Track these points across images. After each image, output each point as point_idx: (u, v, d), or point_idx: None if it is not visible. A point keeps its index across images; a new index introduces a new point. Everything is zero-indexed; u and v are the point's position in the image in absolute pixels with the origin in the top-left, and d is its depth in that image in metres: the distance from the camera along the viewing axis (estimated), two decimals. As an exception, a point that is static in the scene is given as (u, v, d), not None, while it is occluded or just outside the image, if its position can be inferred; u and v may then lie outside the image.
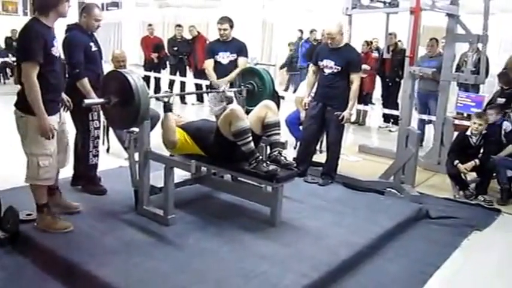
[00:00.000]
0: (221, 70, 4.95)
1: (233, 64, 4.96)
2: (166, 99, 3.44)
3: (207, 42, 8.98)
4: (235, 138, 3.34)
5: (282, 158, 3.47)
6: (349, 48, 4.49)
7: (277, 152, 3.50)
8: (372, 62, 7.82)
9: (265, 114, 3.53)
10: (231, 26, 4.97)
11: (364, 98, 7.98)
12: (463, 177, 4.63)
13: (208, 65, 5.08)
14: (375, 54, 8.14)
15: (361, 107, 7.87)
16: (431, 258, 3.32)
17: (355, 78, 4.36)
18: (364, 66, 7.47)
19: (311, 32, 9.71)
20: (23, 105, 2.92)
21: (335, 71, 4.39)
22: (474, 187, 4.63)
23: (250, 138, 3.35)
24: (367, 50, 7.88)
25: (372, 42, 8.04)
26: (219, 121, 3.50)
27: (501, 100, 5.46)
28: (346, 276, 2.98)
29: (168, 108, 3.42)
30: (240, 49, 5.02)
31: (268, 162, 3.39)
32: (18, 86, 3.00)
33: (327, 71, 4.44)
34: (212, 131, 3.52)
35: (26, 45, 2.83)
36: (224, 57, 4.98)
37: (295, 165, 3.60)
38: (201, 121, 3.96)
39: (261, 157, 3.42)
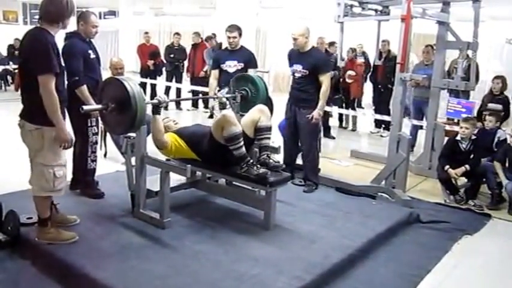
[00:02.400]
0: (227, 79, 4.73)
1: (240, 73, 4.71)
2: (156, 103, 3.47)
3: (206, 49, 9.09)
4: (227, 143, 3.42)
5: (271, 160, 3.58)
6: (316, 52, 4.63)
7: (265, 155, 3.60)
8: (357, 67, 7.87)
9: (258, 118, 3.63)
10: (240, 34, 4.89)
11: (352, 103, 8.04)
12: (454, 182, 4.69)
13: (213, 75, 4.99)
14: (361, 60, 8.24)
15: (351, 112, 7.95)
16: (422, 262, 3.35)
17: (324, 80, 4.44)
18: (350, 72, 7.57)
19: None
20: (37, 117, 2.89)
21: (303, 74, 4.49)
22: (464, 192, 4.68)
23: (242, 143, 3.43)
24: (351, 57, 7.96)
25: (355, 50, 8.14)
26: (211, 126, 3.58)
27: (497, 106, 5.51)
28: (338, 279, 3.02)
29: (156, 110, 3.46)
30: (249, 59, 4.92)
31: (258, 165, 3.47)
32: (18, 93, 3.02)
33: (296, 74, 4.56)
34: (206, 136, 3.59)
35: (44, 57, 2.80)
36: (231, 66, 4.86)
37: (283, 167, 3.70)
38: (195, 126, 4.03)
39: (251, 161, 3.49)
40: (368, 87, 8.55)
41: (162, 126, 3.57)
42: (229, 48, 4.98)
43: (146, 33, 10.53)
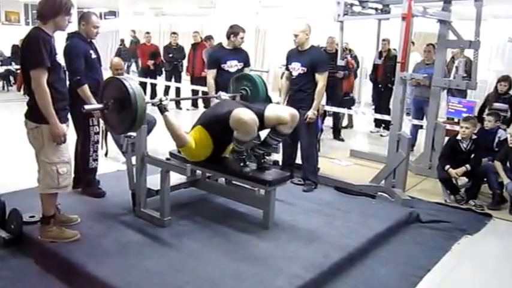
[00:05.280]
0: (228, 79, 4.51)
1: (239, 73, 4.69)
2: (158, 102, 3.43)
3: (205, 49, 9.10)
4: (234, 142, 3.43)
5: (264, 160, 3.62)
6: (315, 50, 4.60)
7: (263, 153, 3.63)
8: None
9: (284, 122, 3.50)
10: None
11: (347, 101, 7.94)
12: (454, 181, 4.68)
13: (211, 75, 4.84)
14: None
15: (350, 111, 7.88)
16: (422, 262, 3.36)
17: (320, 79, 4.43)
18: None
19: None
20: (36, 115, 2.92)
21: (301, 72, 4.47)
22: (464, 191, 4.68)
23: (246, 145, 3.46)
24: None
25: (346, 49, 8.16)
26: (233, 118, 3.34)
27: (503, 106, 5.51)
28: (337, 278, 3.03)
29: (163, 109, 3.41)
30: (247, 59, 4.94)
31: (247, 163, 3.49)
32: (21, 93, 3.04)
33: (294, 73, 4.53)
34: (223, 118, 3.43)
35: (34, 52, 2.83)
36: (232, 66, 4.81)
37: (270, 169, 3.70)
38: (213, 109, 3.90)
39: (244, 157, 3.49)
40: (365, 86, 8.49)
41: (175, 121, 3.47)
42: (227, 48, 4.91)
43: (147, 33, 10.57)
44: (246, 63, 4.94)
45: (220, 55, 4.92)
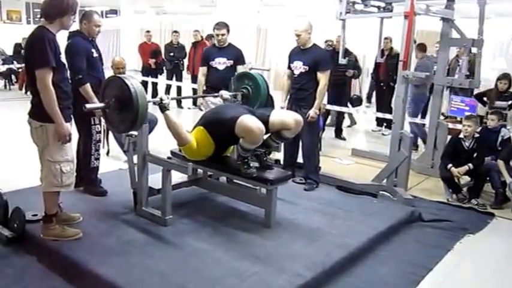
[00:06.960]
0: (217, 76, 4.82)
1: (229, 70, 4.80)
2: (159, 101, 3.41)
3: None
4: (240, 148, 3.43)
5: (265, 158, 3.63)
6: (317, 48, 4.56)
7: (264, 152, 3.63)
8: None
9: (289, 128, 3.53)
10: (228, 31, 4.90)
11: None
12: (456, 180, 4.67)
13: (201, 72, 5.02)
14: None
15: (347, 109, 7.82)
16: (424, 261, 3.36)
17: (322, 77, 4.40)
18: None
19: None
20: (40, 114, 2.91)
21: (303, 71, 4.46)
22: (467, 190, 4.68)
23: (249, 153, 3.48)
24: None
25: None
26: (239, 125, 3.35)
27: (504, 104, 5.51)
28: (339, 277, 3.03)
29: (164, 108, 3.40)
30: (237, 56, 4.95)
31: (251, 165, 3.48)
32: (22, 92, 3.04)
33: (296, 72, 4.52)
34: (228, 123, 3.43)
35: (40, 52, 2.82)
36: (220, 63, 4.87)
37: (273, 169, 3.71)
38: (214, 111, 3.89)
39: (247, 160, 3.48)
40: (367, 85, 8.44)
41: (176, 119, 3.46)
42: (217, 46, 4.97)
43: (148, 31, 10.57)
44: (237, 61, 4.92)
45: (209, 53, 5.06)
